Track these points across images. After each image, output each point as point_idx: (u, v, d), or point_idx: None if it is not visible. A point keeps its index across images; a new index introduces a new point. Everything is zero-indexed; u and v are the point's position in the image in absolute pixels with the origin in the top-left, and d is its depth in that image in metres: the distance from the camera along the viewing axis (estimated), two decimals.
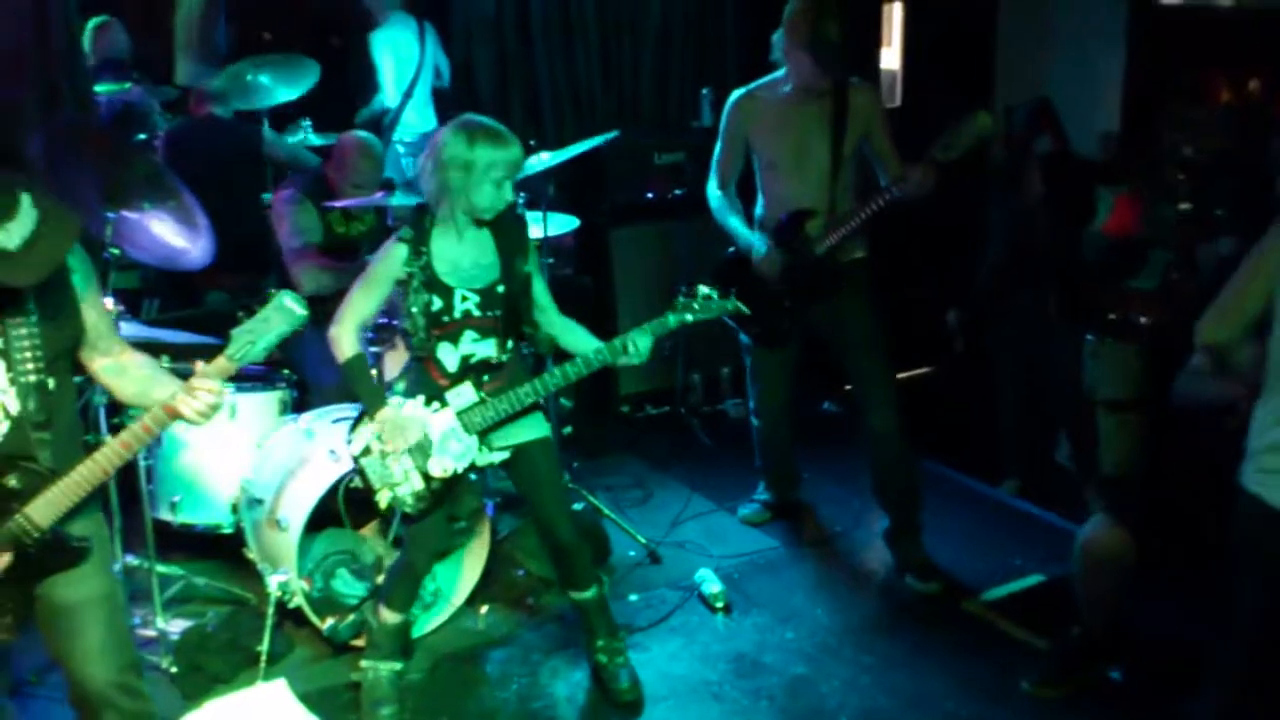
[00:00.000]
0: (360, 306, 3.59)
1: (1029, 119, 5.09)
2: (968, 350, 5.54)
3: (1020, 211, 5.09)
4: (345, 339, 3.57)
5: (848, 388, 4.86)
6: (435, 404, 3.58)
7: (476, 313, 3.58)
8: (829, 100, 4.30)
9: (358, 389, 3.62)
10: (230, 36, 7.24)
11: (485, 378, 3.60)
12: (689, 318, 3.61)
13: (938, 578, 4.52)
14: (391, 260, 3.55)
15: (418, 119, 6.92)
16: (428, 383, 3.60)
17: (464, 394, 3.58)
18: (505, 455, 3.67)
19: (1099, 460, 5.17)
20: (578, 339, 3.73)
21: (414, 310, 3.53)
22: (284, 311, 2.74)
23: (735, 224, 4.51)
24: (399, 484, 3.57)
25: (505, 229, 3.63)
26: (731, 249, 4.57)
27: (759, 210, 4.56)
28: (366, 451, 3.59)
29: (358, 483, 3.66)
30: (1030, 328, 5.15)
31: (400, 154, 6.75)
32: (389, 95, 6.77)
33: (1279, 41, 5.94)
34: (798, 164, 4.37)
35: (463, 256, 3.58)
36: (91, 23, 6.52)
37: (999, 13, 7.30)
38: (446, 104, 7.00)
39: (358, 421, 3.64)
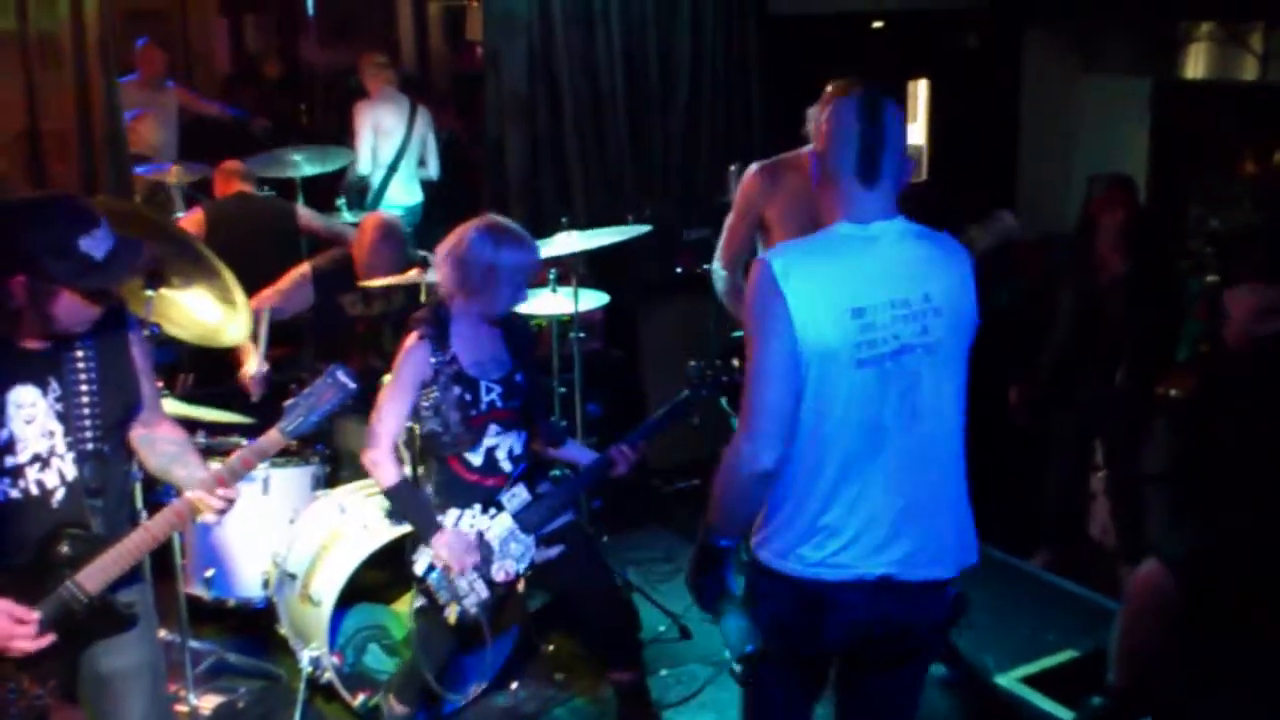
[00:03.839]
0: (393, 422, 3.52)
1: (1104, 193, 4.94)
2: (1012, 425, 5.44)
3: (1092, 293, 4.96)
4: (386, 463, 3.50)
5: None
6: (492, 509, 3.58)
7: (500, 404, 3.57)
8: None
9: (409, 517, 3.56)
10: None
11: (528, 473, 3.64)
12: (704, 392, 3.75)
13: (960, 664, 4.40)
14: (417, 362, 3.50)
15: (404, 193, 7.23)
16: (458, 483, 3.57)
17: (518, 494, 3.60)
18: (561, 547, 3.65)
19: (1141, 529, 5.14)
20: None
21: (443, 407, 3.50)
22: (336, 385, 2.80)
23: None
24: (465, 596, 3.55)
25: (511, 323, 3.69)
26: (739, 332, 4.52)
27: None
28: (431, 569, 3.55)
29: (422, 601, 3.62)
30: (1091, 404, 5.06)
31: None
32: (364, 164, 7.02)
33: None
34: None
35: (481, 349, 3.59)
36: (128, 115, 6.69)
37: (1024, 88, 7.39)
38: (432, 192, 7.23)
39: (417, 543, 3.58)
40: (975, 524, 2.72)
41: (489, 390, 3.56)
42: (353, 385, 2.80)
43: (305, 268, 5.04)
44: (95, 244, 2.62)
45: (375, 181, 7.15)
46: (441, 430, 3.52)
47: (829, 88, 4.18)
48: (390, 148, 7.10)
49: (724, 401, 4.54)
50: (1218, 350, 4.79)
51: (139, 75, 7.28)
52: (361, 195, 7.04)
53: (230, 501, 2.78)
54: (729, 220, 4.43)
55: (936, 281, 2.60)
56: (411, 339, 3.53)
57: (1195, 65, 6.75)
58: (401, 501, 3.55)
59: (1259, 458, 3.66)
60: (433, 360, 3.49)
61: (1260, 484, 3.66)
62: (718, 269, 4.45)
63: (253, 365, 4.83)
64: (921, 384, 2.58)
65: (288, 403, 2.82)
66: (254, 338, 4.67)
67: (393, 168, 7.11)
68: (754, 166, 4.38)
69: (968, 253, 2.70)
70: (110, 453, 2.80)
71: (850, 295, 2.56)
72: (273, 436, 2.81)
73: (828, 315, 2.53)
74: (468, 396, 3.51)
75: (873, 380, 2.55)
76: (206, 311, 4.19)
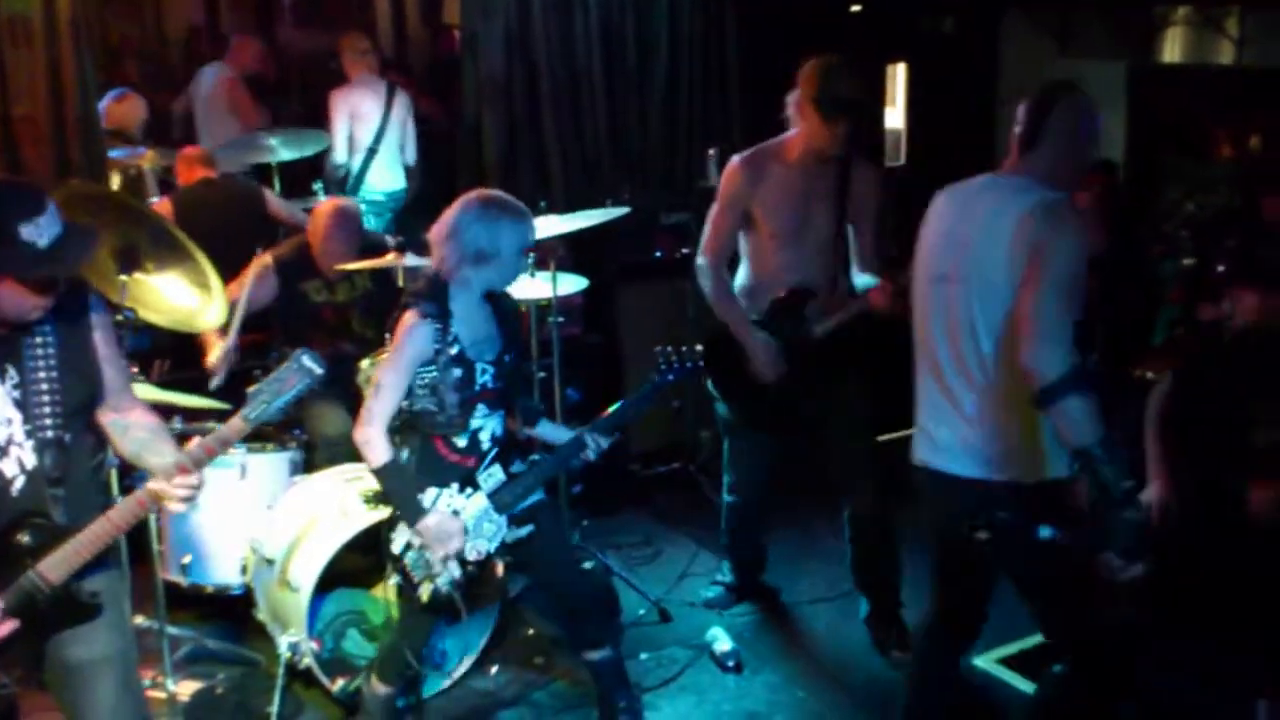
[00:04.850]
0: (390, 401, 3.47)
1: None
2: None
3: None
4: (379, 441, 3.46)
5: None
6: (468, 489, 3.57)
7: (491, 384, 3.57)
8: (834, 168, 4.20)
9: (395, 498, 3.53)
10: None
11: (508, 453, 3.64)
12: (670, 377, 3.81)
13: None
14: (419, 341, 3.45)
15: (386, 178, 7.11)
16: (439, 462, 3.56)
17: (494, 474, 3.60)
18: (531, 528, 3.65)
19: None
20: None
21: (442, 388, 3.46)
22: (301, 371, 2.76)
23: (736, 317, 4.30)
24: (438, 575, 3.55)
25: (500, 302, 3.67)
26: (719, 321, 4.42)
27: (744, 280, 4.41)
28: (408, 547, 3.54)
29: (398, 579, 3.62)
30: None
31: (364, 211, 6.83)
32: (339, 152, 6.93)
33: (1275, 97, 6.01)
34: (801, 232, 4.24)
35: (478, 329, 3.57)
36: (108, 96, 6.62)
37: (1000, 73, 7.40)
38: (410, 176, 7.16)
39: (395, 520, 3.57)
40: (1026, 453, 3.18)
41: (483, 371, 3.55)
42: (319, 370, 2.74)
43: (267, 258, 4.99)
44: (38, 231, 2.54)
45: (355, 167, 7.06)
46: (436, 410, 3.49)
47: (806, 66, 4.21)
48: (367, 133, 7.00)
49: (710, 384, 4.54)
50: (1192, 334, 4.81)
51: (227, 64, 7.37)
52: (341, 183, 6.96)
53: (194, 489, 2.74)
54: (712, 214, 4.36)
55: (984, 223, 3.12)
56: (412, 318, 3.47)
57: (1171, 49, 6.77)
58: (389, 482, 3.51)
59: (1218, 443, 3.68)
60: (434, 340, 3.46)
61: (1216, 470, 3.68)
62: (702, 264, 4.38)
63: (218, 352, 4.78)
64: (956, 310, 3.16)
65: (251, 389, 2.78)
66: (224, 329, 4.63)
67: (372, 152, 7.02)
68: (735, 159, 4.31)
69: (1036, 208, 3.04)
70: (71, 440, 2.75)
71: (931, 227, 3.32)
72: (236, 424, 2.75)
73: (921, 242, 3.33)
74: (466, 378, 3.51)
75: (930, 300, 3.26)
76: (181, 296, 4.17)
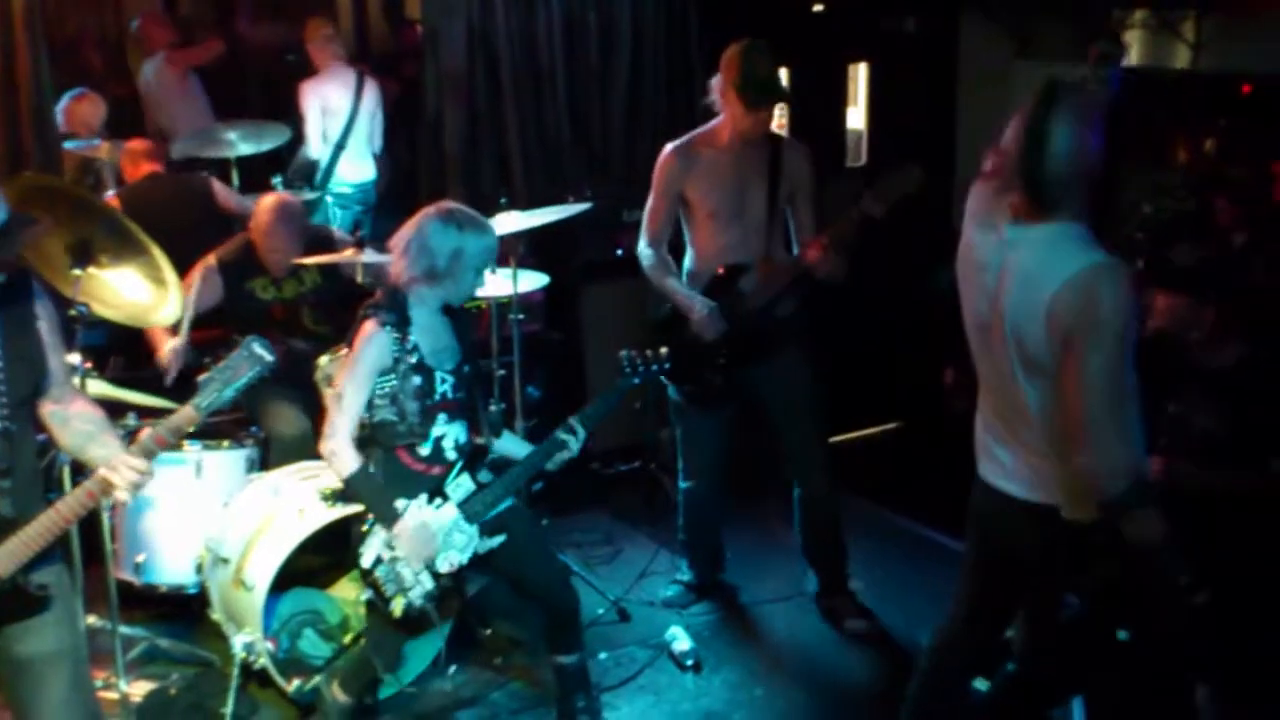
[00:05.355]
0: (352, 411, 3.46)
1: None
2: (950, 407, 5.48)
3: None
4: (345, 452, 3.45)
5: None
6: (437, 499, 3.55)
7: (451, 395, 3.57)
8: (764, 150, 4.35)
9: (369, 505, 3.52)
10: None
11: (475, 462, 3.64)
12: (636, 380, 3.84)
13: (871, 616, 4.60)
14: (377, 350, 3.45)
15: (355, 170, 7.04)
16: (404, 473, 3.55)
17: (462, 484, 3.58)
18: (504, 537, 3.64)
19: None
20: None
21: (402, 396, 3.46)
22: (252, 358, 2.75)
23: (673, 284, 4.47)
24: (411, 588, 3.52)
25: (457, 314, 3.67)
26: (667, 305, 4.55)
27: (689, 264, 4.55)
28: (378, 562, 3.52)
29: (369, 594, 3.59)
30: None
31: (330, 204, 6.80)
32: (314, 146, 6.85)
33: (1230, 102, 6.08)
34: (737, 212, 4.37)
35: (437, 338, 3.57)
36: (67, 95, 6.50)
37: (960, 72, 7.45)
38: (380, 166, 7.11)
39: (365, 534, 3.54)
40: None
41: (443, 380, 3.54)
42: (269, 357, 2.76)
43: (210, 259, 4.92)
44: None
45: (324, 160, 6.97)
46: (397, 420, 3.49)
47: (726, 52, 4.30)
48: (337, 125, 6.93)
49: (670, 388, 4.58)
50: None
51: (156, 51, 7.35)
52: (310, 176, 6.86)
53: (142, 476, 2.71)
54: (649, 202, 4.51)
55: (1017, 289, 2.89)
56: (371, 327, 3.47)
57: (1128, 53, 6.83)
58: (360, 490, 3.50)
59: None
60: (393, 349, 3.45)
61: None
62: (644, 249, 4.52)
63: (169, 344, 4.70)
64: (999, 358, 3.00)
65: (202, 377, 2.76)
66: (174, 329, 4.57)
67: (340, 145, 6.94)
68: (668, 147, 4.46)
69: (1065, 287, 2.78)
70: (18, 431, 2.73)
71: (964, 267, 3.11)
72: (187, 412, 2.74)
73: (960, 277, 3.14)
74: (425, 386, 3.49)
75: (975, 340, 3.11)
76: (136, 291, 4.11)
